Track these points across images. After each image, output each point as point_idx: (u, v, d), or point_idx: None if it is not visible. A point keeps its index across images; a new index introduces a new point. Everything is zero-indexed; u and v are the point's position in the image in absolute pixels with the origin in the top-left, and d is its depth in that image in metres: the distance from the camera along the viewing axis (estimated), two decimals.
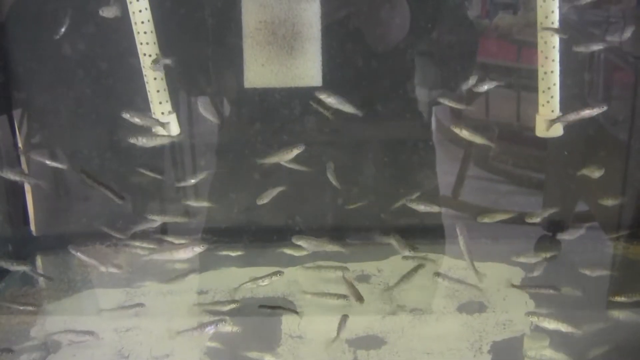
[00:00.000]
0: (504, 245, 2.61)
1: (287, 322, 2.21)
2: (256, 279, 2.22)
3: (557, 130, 2.18)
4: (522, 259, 2.38)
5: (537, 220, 2.42)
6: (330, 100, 2.14)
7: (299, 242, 2.27)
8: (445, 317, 2.21)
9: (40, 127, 2.77)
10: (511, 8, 3.69)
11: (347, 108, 2.16)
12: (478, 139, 2.22)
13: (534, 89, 2.21)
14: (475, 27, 2.67)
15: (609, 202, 2.42)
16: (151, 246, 2.43)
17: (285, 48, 2.28)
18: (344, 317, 2.09)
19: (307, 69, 2.30)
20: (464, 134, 2.18)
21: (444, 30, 2.46)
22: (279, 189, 2.35)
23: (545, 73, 2.12)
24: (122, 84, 2.34)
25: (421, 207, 2.37)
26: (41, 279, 2.52)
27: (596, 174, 2.26)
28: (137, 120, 2.12)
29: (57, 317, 2.25)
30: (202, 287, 2.42)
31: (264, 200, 2.35)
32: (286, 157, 2.20)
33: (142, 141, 2.11)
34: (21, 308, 2.29)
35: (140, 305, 2.26)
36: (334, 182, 2.34)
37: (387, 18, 2.36)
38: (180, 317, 2.24)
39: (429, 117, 2.67)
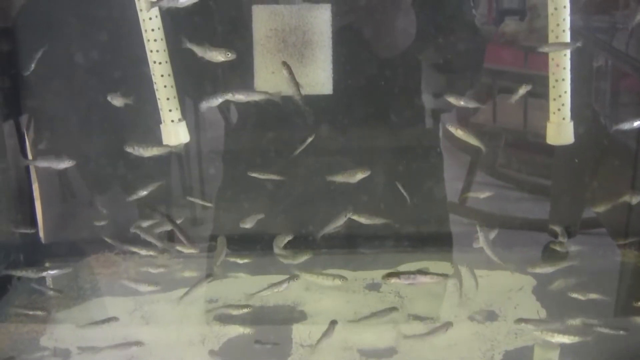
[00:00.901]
0: (517, 254, 2.60)
1: (298, 330, 2.19)
2: (273, 285, 2.20)
3: (569, 138, 2.17)
4: (537, 270, 2.36)
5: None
6: (238, 96, 2.09)
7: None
8: (456, 325, 2.19)
9: (49, 134, 2.77)
10: (517, 14, 3.70)
11: (257, 97, 2.11)
12: (473, 140, 2.21)
13: (541, 95, 2.20)
14: (482, 33, 2.66)
15: (601, 208, 2.40)
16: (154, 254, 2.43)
17: (296, 56, 2.27)
18: (332, 324, 2.08)
19: (318, 76, 2.29)
20: (459, 133, 2.17)
21: (450, 36, 2.44)
22: (260, 215, 2.36)
23: (556, 80, 2.10)
24: (131, 91, 2.33)
25: (362, 219, 2.33)
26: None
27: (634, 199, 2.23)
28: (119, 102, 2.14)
29: (66, 326, 2.24)
30: (212, 295, 2.40)
31: (248, 224, 2.36)
32: (350, 179, 2.19)
33: (138, 151, 2.09)
34: (30, 313, 2.28)
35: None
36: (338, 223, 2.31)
37: (393, 24, 2.35)
38: (190, 326, 2.23)
39: (436, 124, 2.65)
